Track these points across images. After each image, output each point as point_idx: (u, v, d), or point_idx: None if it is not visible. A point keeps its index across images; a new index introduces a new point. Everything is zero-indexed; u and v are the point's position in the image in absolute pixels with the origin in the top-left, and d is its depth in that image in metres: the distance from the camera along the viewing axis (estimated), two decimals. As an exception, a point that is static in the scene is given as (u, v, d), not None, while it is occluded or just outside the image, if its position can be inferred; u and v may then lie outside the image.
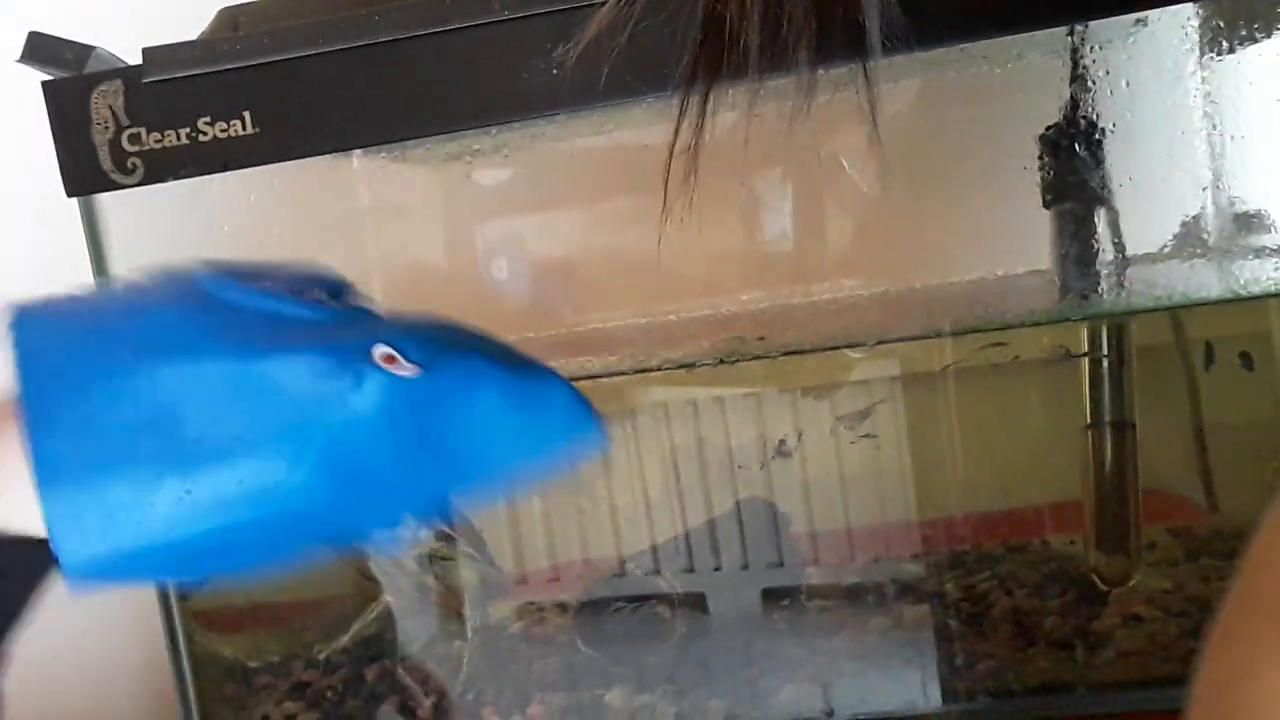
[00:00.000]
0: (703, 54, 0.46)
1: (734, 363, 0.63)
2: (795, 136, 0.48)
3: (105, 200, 0.60)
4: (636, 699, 0.69)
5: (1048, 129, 0.62)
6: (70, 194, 0.56)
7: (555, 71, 0.52)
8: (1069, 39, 0.60)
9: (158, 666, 0.69)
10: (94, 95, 0.54)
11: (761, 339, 0.63)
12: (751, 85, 0.46)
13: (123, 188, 0.55)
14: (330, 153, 0.57)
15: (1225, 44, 0.60)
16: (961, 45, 0.52)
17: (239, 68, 0.54)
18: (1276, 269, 0.60)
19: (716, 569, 0.73)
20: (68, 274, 0.67)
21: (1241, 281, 0.61)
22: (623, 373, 0.65)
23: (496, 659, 0.74)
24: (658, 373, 0.65)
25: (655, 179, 0.48)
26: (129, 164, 0.55)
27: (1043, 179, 0.63)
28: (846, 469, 0.71)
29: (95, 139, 0.55)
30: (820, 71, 0.46)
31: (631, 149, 0.63)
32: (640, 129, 0.60)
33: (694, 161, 0.47)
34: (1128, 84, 0.60)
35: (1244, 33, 0.59)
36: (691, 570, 0.73)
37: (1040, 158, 0.63)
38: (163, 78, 0.54)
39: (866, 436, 0.69)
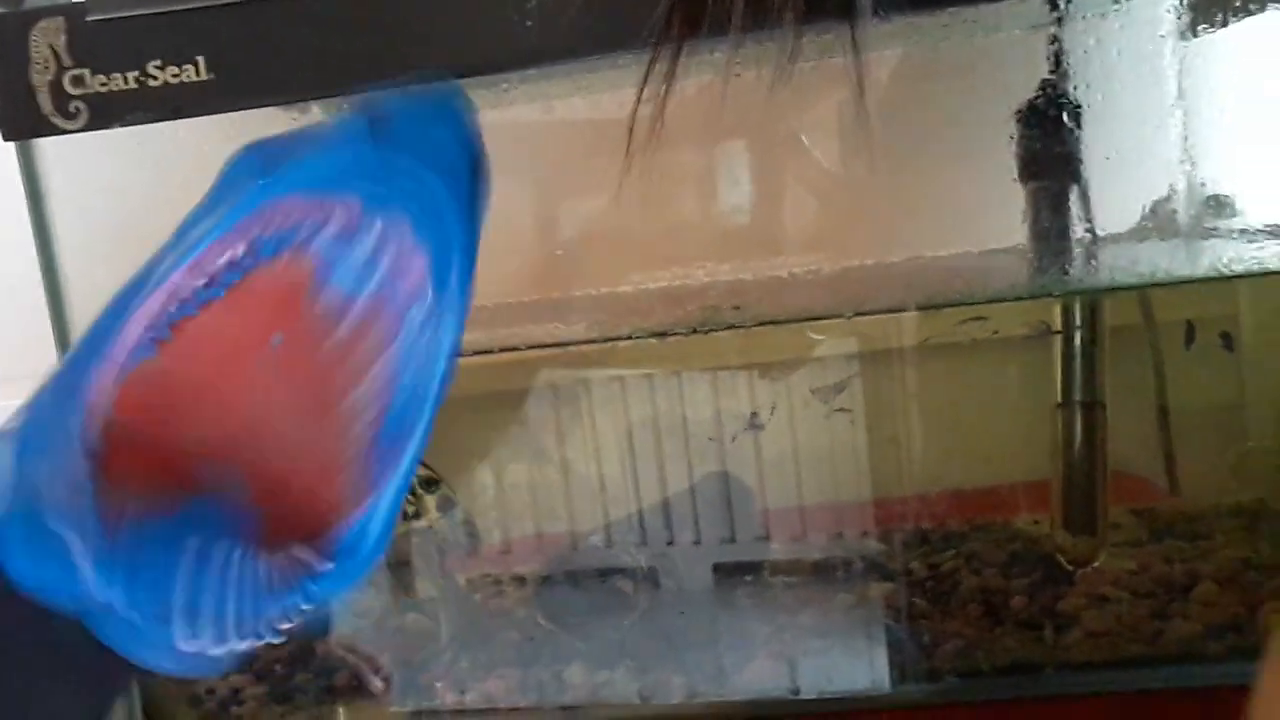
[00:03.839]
0: (681, 3, 0.44)
1: (707, 332, 0.61)
2: (774, 104, 0.46)
3: (45, 145, 0.57)
4: (597, 674, 0.67)
5: (1026, 103, 0.61)
6: (7, 138, 0.53)
7: (529, 24, 0.49)
8: (1049, 12, 0.59)
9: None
10: (33, 32, 0.51)
11: (736, 308, 0.62)
12: (731, 43, 0.44)
13: (65, 133, 0.52)
14: (289, 102, 0.54)
15: (1204, 23, 0.59)
16: (950, 9, 0.51)
17: (193, 8, 0.51)
18: (1260, 249, 0.60)
19: (670, 543, 0.72)
20: (4, 221, 0.64)
21: (1224, 260, 0.61)
22: (594, 340, 0.64)
23: (453, 632, 0.73)
24: (629, 343, 0.64)
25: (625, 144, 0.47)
26: (71, 108, 0.52)
27: (1018, 154, 0.63)
28: (818, 444, 0.70)
29: (34, 80, 0.52)
30: (805, 36, 0.44)
31: (606, 112, 0.61)
32: (616, 92, 0.58)
33: (660, 113, 0.46)
34: (1102, 63, 0.60)
35: (1219, 15, 0.59)
36: (644, 544, 0.72)
37: (1017, 132, 0.62)
38: (109, 16, 0.51)
39: (841, 410, 0.68)
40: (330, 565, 0.32)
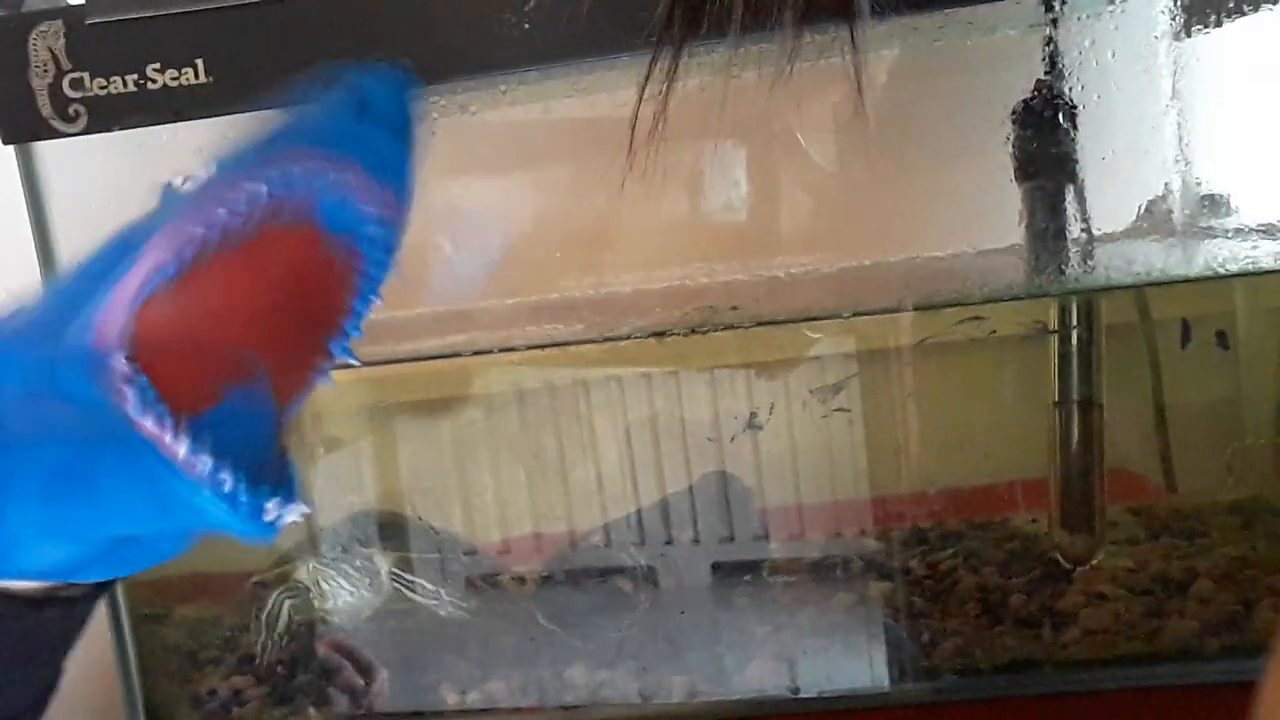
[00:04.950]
0: (681, 3, 0.44)
1: (705, 332, 0.61)
2: (772, 104, 0.46)
3: (44, 149, 0.57)
4: (598, 674, 0.67)
5: (1021, 103, 0.61)
6: (6, 141, 0.53)
7: (527, 25, 0.50)
8: (1045, 13, 0.59)
9: (98, 636, 0.66)
10: (32, 35, 0.51)
11: (734, 309, 0.62)
12: (731, 43, 0.44)
13: (64, 136, 0.52)
14: (288, 105, 0.54)
15: (1198, 23, 0.60)
16: (946, 10, 0.51)
17: (192, 11, 0.51)
18: (1255, 248, 0.60)
19: (668, 542, 0.72)
20: (3, 225, 0.64)
21: (1219, 259, 0.61)
22: (592, 341, 0.64)
23: (453, 634, 0.73)
24: (627, 343, 0.64)
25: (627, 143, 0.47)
26: (71, 110, 0.52)
27: (1014, 154, 0.63)
28: (817, 443, 0.70)
29: (34, 83, 0.52)
30: (803, 36, 0.45)
31: (603, 112, 0.61)
32: (613, 93, 0.58)
33: (663, 112, 0.46)
34: (1097, 63, 0.60)
35: (1213, 16, 0.59)
36: (643, 543, 0.73)
37: (1013, 132, 0.62)
38: (108, 19, 0.51)
39: (839, 410, 0.68)
40: None
